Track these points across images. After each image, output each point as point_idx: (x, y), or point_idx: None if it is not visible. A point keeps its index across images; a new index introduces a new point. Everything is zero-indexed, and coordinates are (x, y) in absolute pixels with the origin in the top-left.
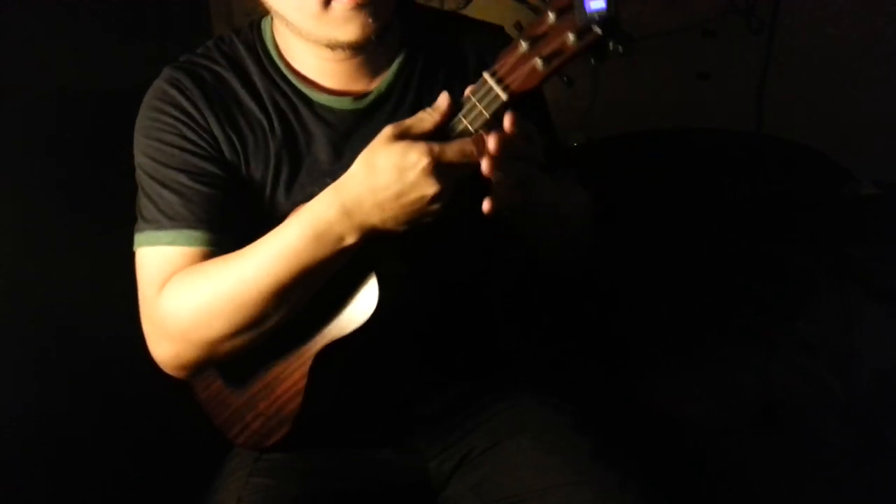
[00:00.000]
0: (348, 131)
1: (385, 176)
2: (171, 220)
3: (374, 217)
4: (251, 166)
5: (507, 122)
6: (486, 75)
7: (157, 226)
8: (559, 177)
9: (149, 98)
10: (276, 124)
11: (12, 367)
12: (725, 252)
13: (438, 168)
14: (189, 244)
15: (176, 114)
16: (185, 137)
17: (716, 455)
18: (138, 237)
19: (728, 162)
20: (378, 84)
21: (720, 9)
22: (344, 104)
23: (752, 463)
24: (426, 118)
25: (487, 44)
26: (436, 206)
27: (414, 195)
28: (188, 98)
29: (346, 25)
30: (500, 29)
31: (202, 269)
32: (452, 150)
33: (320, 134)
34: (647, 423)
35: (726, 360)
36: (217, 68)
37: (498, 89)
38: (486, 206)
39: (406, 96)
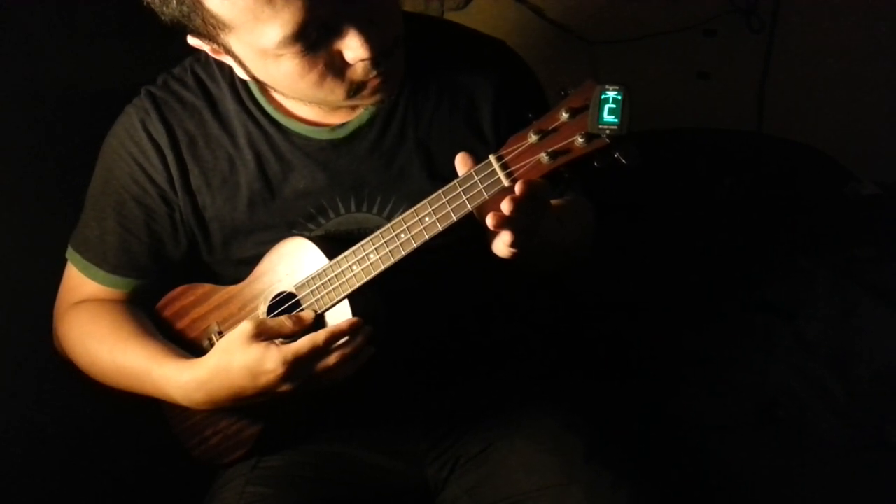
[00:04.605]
0: (327, 160)
1: (239, 376)
2: (87, 252)
3: (227, 400)
4: (216, 195)
5: (518, 187)
6: (492, 158)
7: (78, 245)
8: (561, 192)
9: (117, 124)
10: (247, 155)
11: (12, 367)
12: (726, 252)
13: (292, 370)
14: (96, 280)
15: (134, 151)
16: (133, 178)
17: (715, 454)
18: (70, 243)
19: (729, 162)
20: (358, 114)
21: (720, 8)
22: (321, 134)
23: (752, 462)
24: (286, 325)
25: (485, 64)
26: (289, 394)
27: (267, 394)
28: (150, 135)
29: (373, 97)
30: (501, 45)
31: (96, 328)
32: (304, 350)
33: (298, 163)
34: (647, 422)
35: (726, 359)
36: (189, 96)
37: (501, 174)
38: (495, 250)
39: (390, 124)
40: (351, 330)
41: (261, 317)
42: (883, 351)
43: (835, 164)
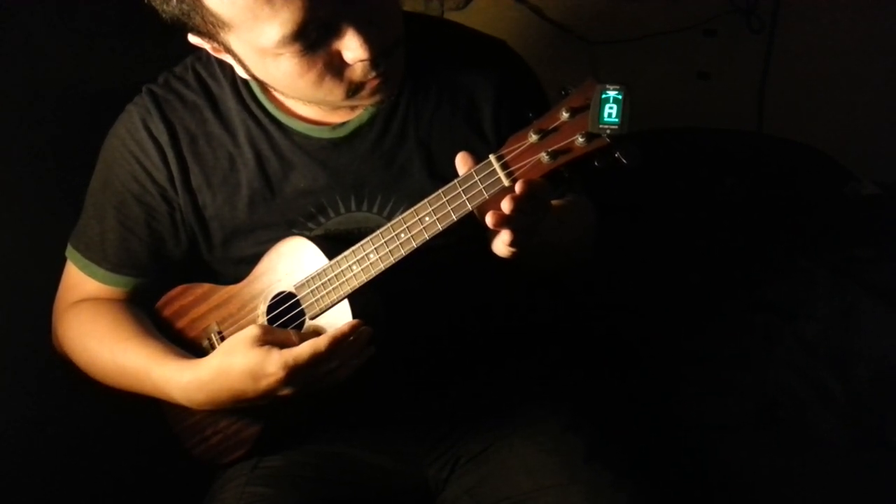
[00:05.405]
0: (327, 159)
1: (239, 378)
2: (87, 250)
3: (227, 401)
4: (216, 193)
5: (518, 187)
6: (492, 158)
7: (78, 244)
8: (561, 192)
9: (118, 122)
10: (247, 153)
11: (12, 367)
12: (726, 252)
13: (293, 374)
14: (96, 279)
15: (135, 150)
16: (133, 177)
17: (716, 454)
18: (70, 242)
19: (729, 162)
20: (359, 113)
21: (720, 8)
22: (322, 133)
23: (752, 462)
24: (293, 340)
25: (485, 64)
26: (290, 397)
27: (267, 397)
28: (151, 134)
29: (373, 97)
30: (502, 45)
31: (95, 328)
32: (305, 355)
33: (299, 162)
34: (647, 423)
35: (726, 359)
36: (190, 95)
37: (501, 174)
38: (495, 249)
39: (391, 124)
40: (352, 333)
41: (261, 317)
42: (883, 351)
43: (835, 164)
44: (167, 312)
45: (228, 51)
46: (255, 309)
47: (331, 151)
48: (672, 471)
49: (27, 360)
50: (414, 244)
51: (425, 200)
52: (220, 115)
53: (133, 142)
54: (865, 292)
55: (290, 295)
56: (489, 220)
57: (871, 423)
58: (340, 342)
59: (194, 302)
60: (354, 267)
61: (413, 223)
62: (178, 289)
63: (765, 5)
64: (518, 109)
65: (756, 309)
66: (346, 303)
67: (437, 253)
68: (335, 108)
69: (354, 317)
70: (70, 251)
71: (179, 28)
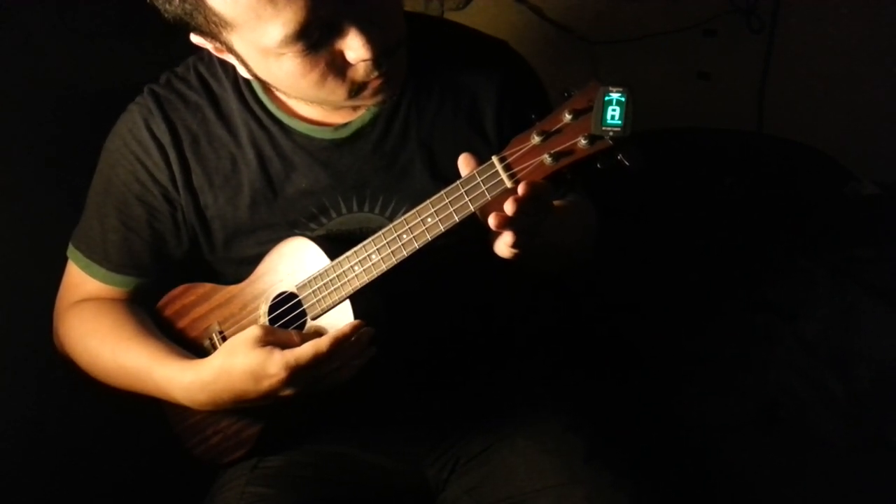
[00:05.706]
0: (329, 159)
1: (241, 379)
2: (89, 250)
3: (229, 402)
4: (218, 194)
5: (521, 189)
6: (494, 160)
7: (79, 243)
8: (563, 193)
9: (120, 121)
10: (249, 154)
11: (12, 367)
12: (726, 251)
13: (294, 375)
14: (97, 278)
15: (136, 149)
16: (135, 177)
17: (716, 454)
18: (71, 242)
19: (729, 162)
20: (361, 114)
21: (720, 8)
22: (324, 133)
23: (753, 462)
24: (294, 340)
25: (487, 65)
26: (291, 397)
27: (269, 398)
28: (153, 134)
29: (375, 98)
30: (503, 45)
31: (97, 328)
32: (307, 356)
33: (301, 162)
34: (648, 423)
35: (726, 360)
36: (192, 95)
37: (504, 175)
38: (497, 250)
39: (393, 124)
40: (353, 333)
41: (262, 318)
42: (883, 351)
43: (835, 164)
44: (168, 312)
45: (231, 51)
46: (256, 309)
47: (333, 152)
48: (672, 471)
49: (27, 360)
50: (416, 245)
51: (427, 201)
52: (222, 116)
53: (135, 141)
54: (865, 292)
55: (292, 295)
56: (492, 221)
57: (871, 424)
58: (342, 343)
59: (196, 302)
60: (356, 267)
61: (415, 224)
62: (180, 288)
63: (765, 5)
64: (520, 110)
65: (756, 309)
66: (347, 303)
67: (439, 254)
68: (337, 108)
69: (356, 317)
70: (71, 251)
71: (181, 28)
